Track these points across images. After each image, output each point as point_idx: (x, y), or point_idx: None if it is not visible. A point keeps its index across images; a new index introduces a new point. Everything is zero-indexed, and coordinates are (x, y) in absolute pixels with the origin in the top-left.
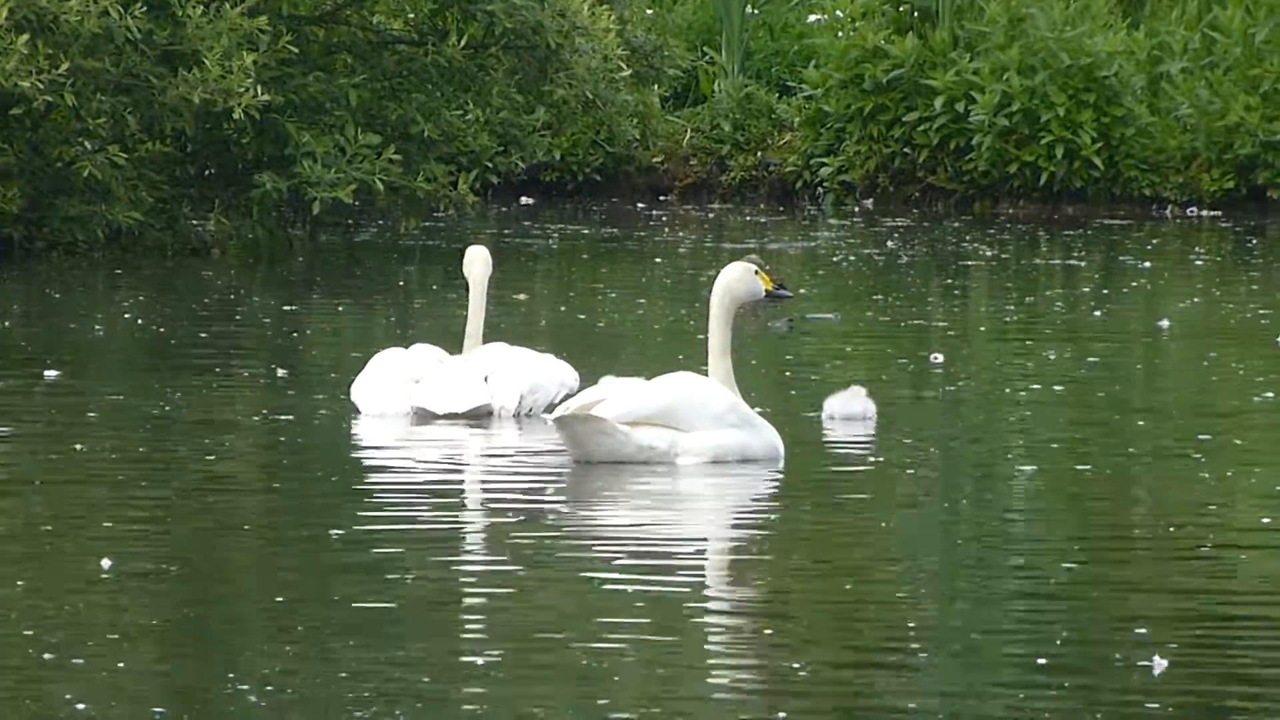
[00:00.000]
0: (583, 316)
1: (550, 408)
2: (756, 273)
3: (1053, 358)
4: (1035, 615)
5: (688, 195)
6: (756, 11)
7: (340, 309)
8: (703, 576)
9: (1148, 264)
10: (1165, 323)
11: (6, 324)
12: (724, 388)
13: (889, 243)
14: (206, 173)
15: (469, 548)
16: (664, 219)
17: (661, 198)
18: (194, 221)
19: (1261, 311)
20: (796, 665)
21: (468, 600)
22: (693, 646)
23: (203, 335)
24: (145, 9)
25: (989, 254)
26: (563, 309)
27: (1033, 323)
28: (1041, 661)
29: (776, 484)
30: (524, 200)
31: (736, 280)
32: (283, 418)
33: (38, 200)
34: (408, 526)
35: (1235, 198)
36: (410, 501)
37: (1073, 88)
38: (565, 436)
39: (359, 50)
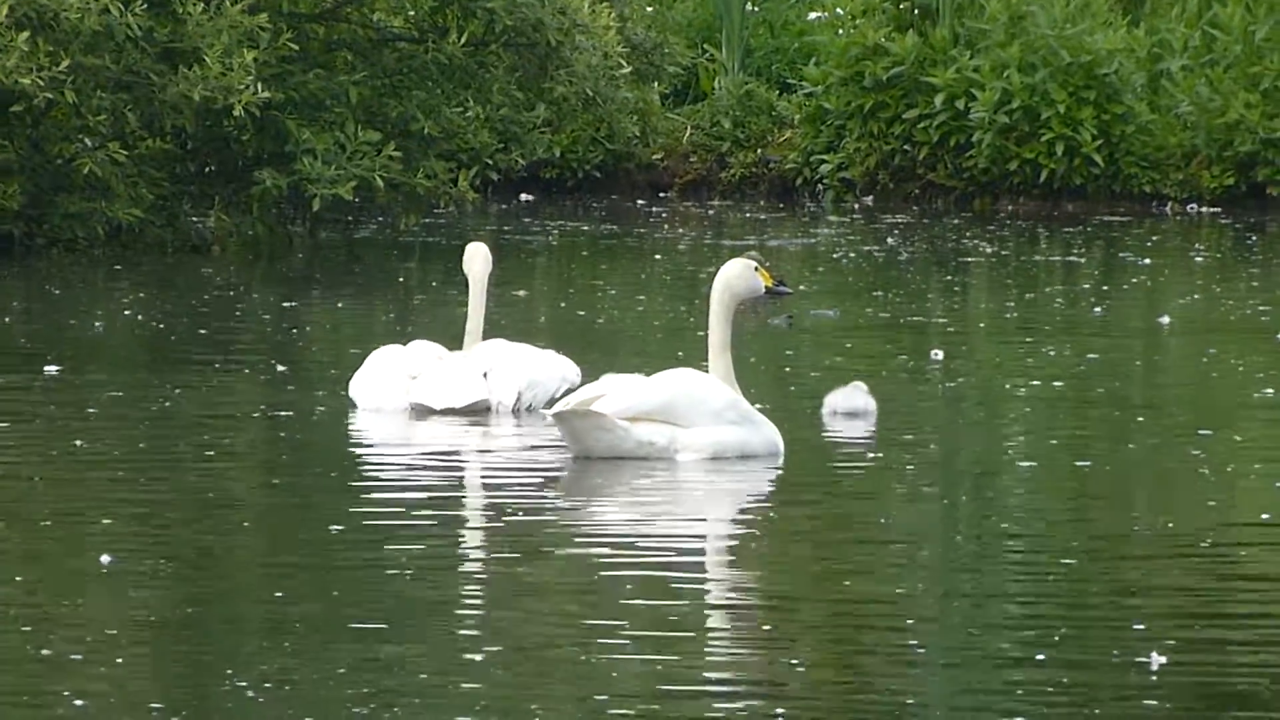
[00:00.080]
0: (582, 313)
1: (550, 403)
2: (756, 269)
3: (1052, 354)
4: (1034, 611)
5: (688, 192)
6: (757, 9)
7: (340, 305)
8: (701, 572)
9: (1148, 261)
10: (1166, 319)
11: (7, 320)
12: (724, 384)
13: (889, 240)
14: (207, 170)
15: (468, 543)
16: (664, 216)
17: (661, 195)
18: (194, 218)
19: (1261, 308)
20: (795, 661)
21: (466, 597)
22: (691, 643)
23: (202, 332)
24: (145, 6)
25: (989, 251)
26: (562, 306)
27: (1033, 319)
28: (1040, 657)
29: (776, 480)
30: (524, 197)
31: (736, 277)
32: (282, 414)
33: (38, 197)
34: (407, 522)
35: (1235, 195)
36: (409, 497)
37: (1073, 85)
38: (565, 432)
39: (359, 47)
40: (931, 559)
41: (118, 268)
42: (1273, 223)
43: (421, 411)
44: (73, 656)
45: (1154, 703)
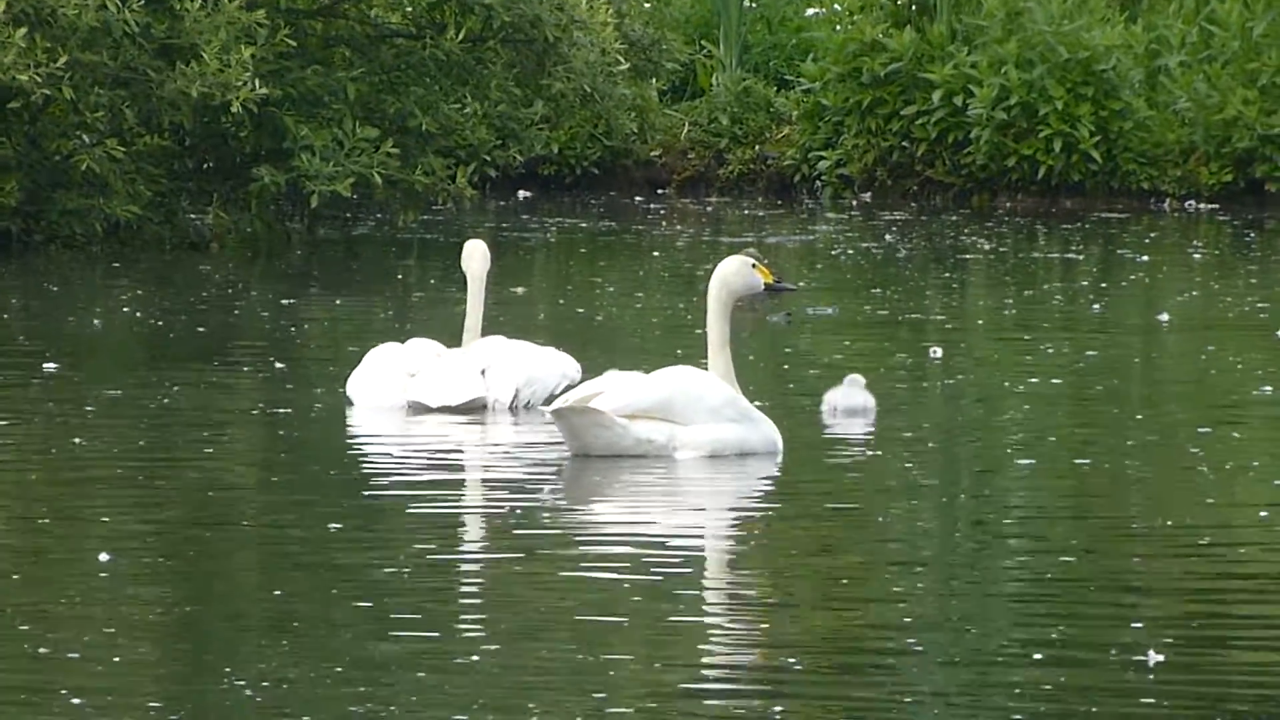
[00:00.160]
0: (581, 310)
1: (549, 400)
2: (754, 266)
3: (1051, 351)
4: (1032, 608)
5: (686, 189)
6: (754, 5)
7: (338, 302)
8: (699, 570)
9: (1146, 257)
10: (1165, 316)
11: (5, 317)
12: (723, 382)
13: (887, 236)
14: (204, 166)
15: (466, 541)
16: (662, 212)
17: (659, 191)
18: (192, 215)
19: (1259, 305)
20: (793, 659)
21: (464, 594)
22: (689, 640)
23: (200, 329)
24: (143, 3)
25: (987, 247)
26: (561, 302)
27: (1031, 316)
28: (1038, 656)
29: (774, 477)
30: (522, 194)
31: (733, 274)
32: (280, 411)
33: (36, 194)
34: (405, 520)
35: (1233, 191)
36: (407, 495)
37: (1071, 81)
38: (563, 429)
39: (357, 44)
40: (930, 557)
41: (116, 265)
42: (1271, 219)
43: (419, 409)
44: (71, 654)
45: (1152, 700)
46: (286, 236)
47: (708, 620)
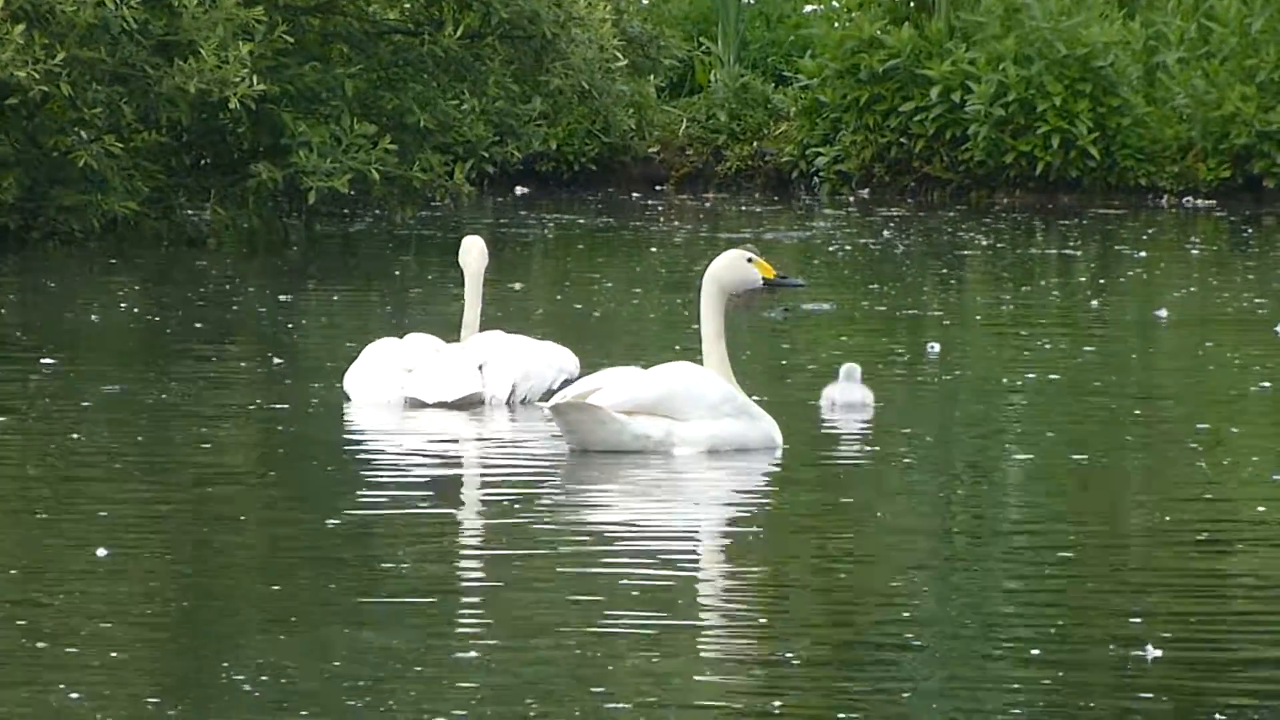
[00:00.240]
0: (578, 306)
1: (548, 395)
2: (750, 260)
3: (1048, 347)
4: (1029, 604)
5: (683, 185)
6: (752, 1)
7: (335, 299)
8: (698, 566)
9: (1143, 254)
10: (1164, 312)
11: (2, 313)
12: (721, 377)
13: (885, 232)
14: (202, 162)
15: (464, 537)
16: (660, 209)
17: (657, 188)
18: (190, 211)
19: (1258, 301)
20: (791, 655)
21: (462, 589)
22: (688, 636)
23: (198, 325)
24: None
25: (985, 244)
26: (558, 298)
27: (1029, 312)
28: (1035, 651)
29: (772, 473)
30: (520, 190)
31: (724, 268)
32: (278, 407)
33: (34, 190)
34: (403, 515)
35: (1231, 187)
36: (406, 490)
37: (1069, 78)
38: (561, 425)
39: (355, 40)
40: (928, 552)
41: (113, 261)
42: (1269, 215)
43: (415, 405)
44: (68, 649)
45: (1149, 695)
46: (284, 233)
47: (705, 616)
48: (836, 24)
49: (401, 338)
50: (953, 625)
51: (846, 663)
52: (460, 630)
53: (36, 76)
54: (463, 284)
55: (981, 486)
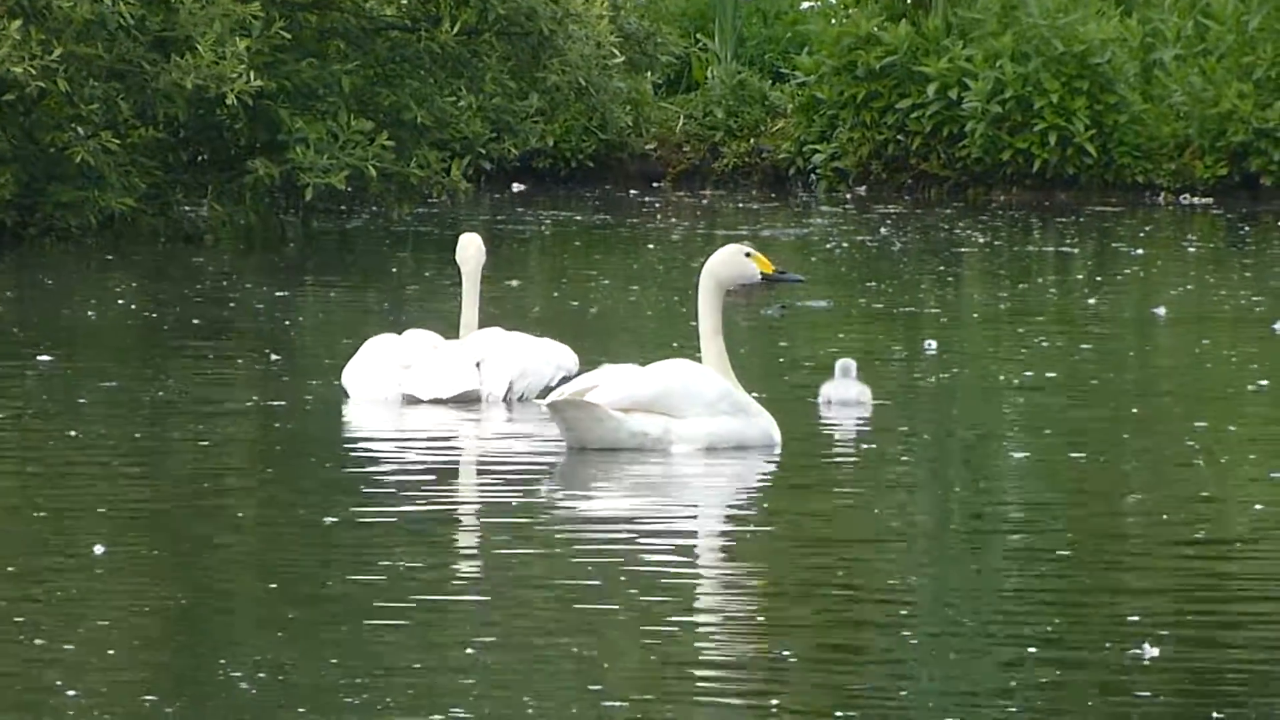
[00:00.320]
0: (575, 303)
1: (545, 392)
2: (748, 255)
3: (1045, 345)
4: (1026, 601)
5: (680, 182)
6: None
7: (332, 295)
8: (695, 563)
9: (1140, 251)
10: (1162, 310)
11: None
12: (719, 375)
13: (882, 230)
14: (199, 159)
15: (462, 534)
16: (657, 206)
17: (654, 184)
18: (186, 207)
19: (1255, 299)
20: (788, 652)
21: (460, 587)
22: (685, 632)
23: (195, 321)
24: None
25: (982, 241)
26: (555, 295)
27: (1025, 310)
28: (1032, 649)
29: (769, 470)
30: (516, 187)
31: (721, 263)
32: (275, 403)
33: (31, 186)
34: (400, 512)
35: (1228, 185)
36: (403, 487)
37: (1066, 75)
38: (558, 422)
39: (352, 36)
40: (925, 549)
41: (110, 257)
42: (1266, 213)
43: (411, 401)
44: (65, 647)
45: (1146, 694)
46: (281, 229)
47: (702, 612)
48: (834, 21)
49: (400, 334)
50: (949, 622)
51: (844, 661)
52: (457, 628)
53: (33, 72)
54: (460, 281)
55: (978, 484)
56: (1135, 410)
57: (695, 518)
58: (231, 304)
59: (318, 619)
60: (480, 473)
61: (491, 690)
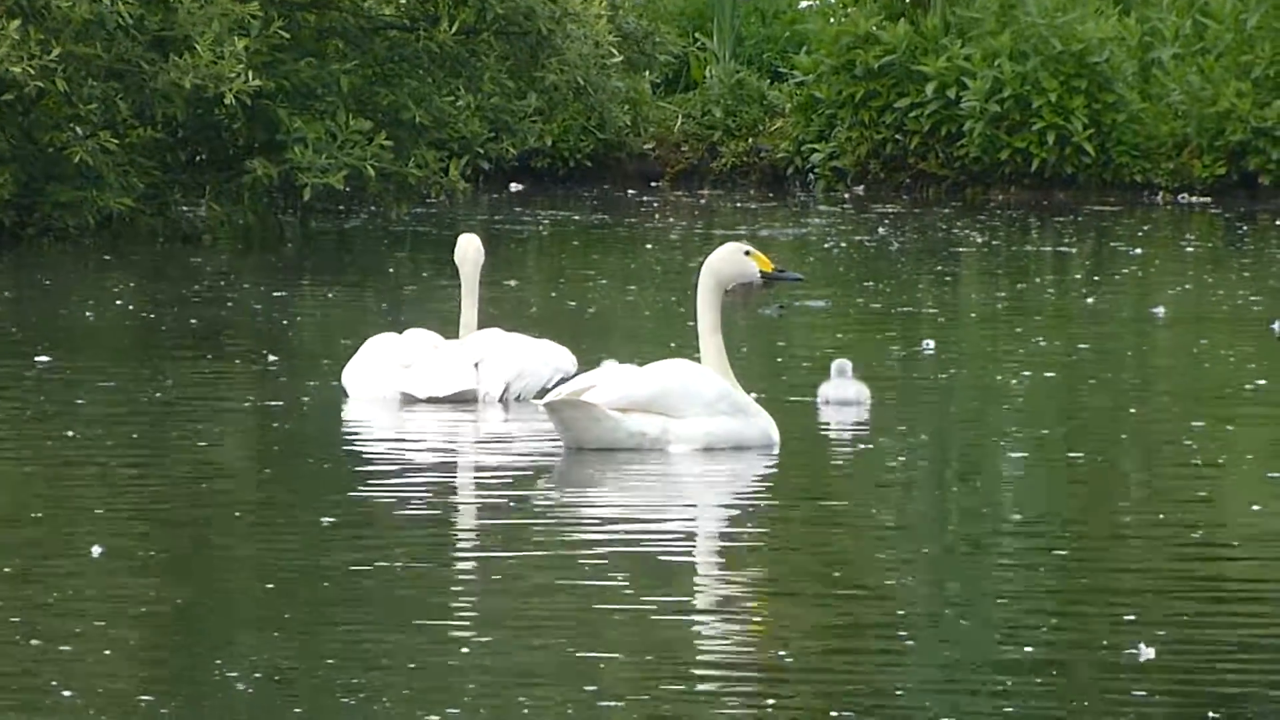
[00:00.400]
0: (573, 303)
1: (542, 393)
2: (749, 253)
3: (1044, 344)
4: (1023, 602)
5: (679, 181)
6: None
7: (330, 295)
8: (692, 564)
9: (1139, 251)
10: (1160, 310)
11: None
12: (718, 375)
13: (880, 229)
14: (197, 158)
15: (459, 534)
16: (655, 205)
17: (652, 184)
18: (185, 207)
19: (1253, 298)
20: (785, 652)
21: (456, 588)
22: (682, 633)
23: (193, 321)
24: None
25: (980, 240)
26: (553, 295)
27: (1023, 309)
28: (1029, 649)
29: (767, 470)
30: (515, 186)
31: (721, 261)
32: (273, 403)
33: (29, 186)
34: (398, 512)
35: (1226, 184)
36: (400, 487)
37: (1064, 74)
38: (556, 422)
39: (350, 36)
40: (922, 549)
41: (108, 257)
42: (1264, 212)
43: (408, 400)
44: (62, 647)
45: (1143, 693)
46: (279, 229)
47: (700, 612)
48: (832, 20)
49: (401, 333)
50: (946, 622)
51: (841, 660)
52: (454, 627)
53: (32, 72)
54: (457, 280)
55: (976, 484)
56: (1133, 410)
57: (692, 518)
58: (229, 304)
59: (314, 619)
60: (477, 473)
61: (488, 690)
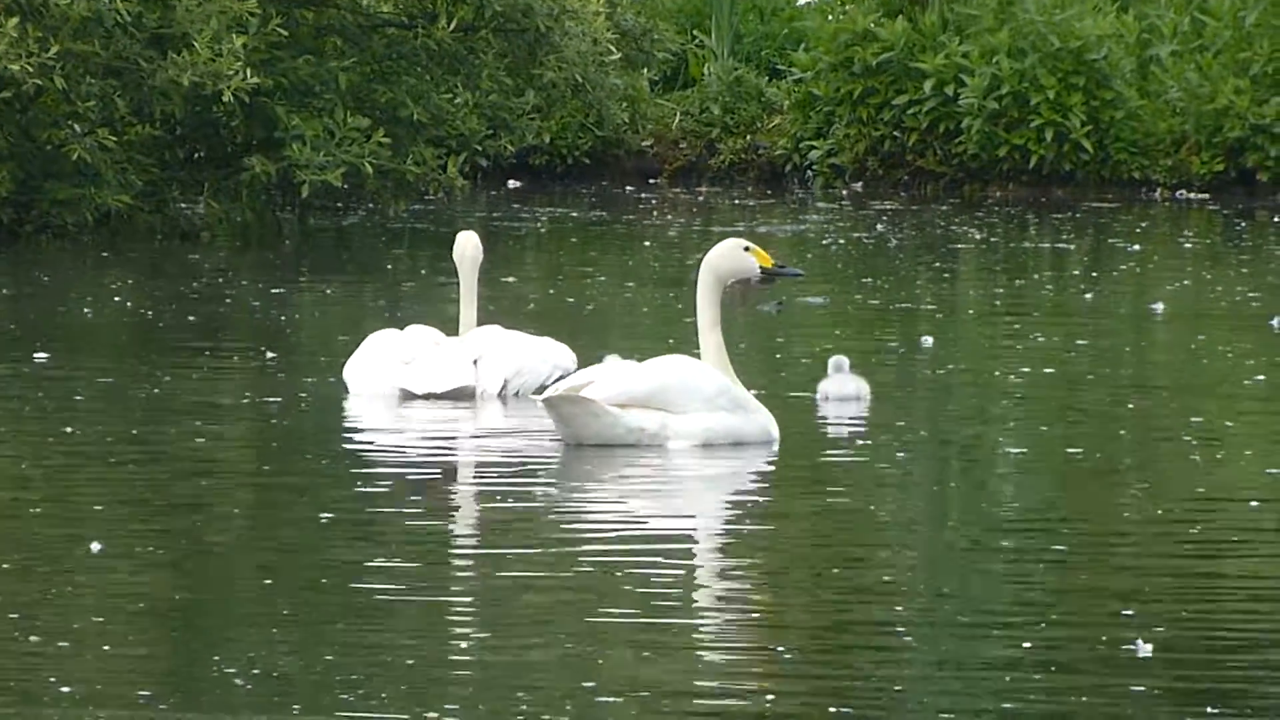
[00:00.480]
0: (571, 300)
1: (541, 389)
2: (748, 249)
3: (1042, 341)
4: (1022, 598)
5: (677, 178)
6: None
7: (329, 292)
8: (691, 560)
9: (1137, 247)
10: (1159, 306)
11: None
12: (717, 371)
13: (878, 226)
14: (196, 156)
15: (458, 530)
16: (653, 202)
17: (651, 181)
18: (183, 205)
19: (1251, 295)
20: (783, 648)
21: (456, 583)
22: (681, 629)
23: (191, 318)
24: None
25: (978, 237)
26: (552, 292)
27: (1022, 306)
28: (1027, 645)
29: (767, 466)
30: (513, 183)
31: (721, 256)
32: (271, 400)
33: (27, 183)
34: (395, 509)
35: (1224, 181)
36: (398, 485)
37: (1062, 71)
38: (555, 418)
39: (348, 33)
40: (922, 545)
41: (106, 254)
42: (1262, 209)
43: (406, 396)
44: (61, 643)
45: (1141, 689)
46: (277, 226)
47: (699, 610)
48: (830, 17)
49: (402, 330)
50: (946, 619)
51: (839, 657)
52: (453, 625)
53: (30, 70)
54: (456, 277)
55: (975, 480)
56: (1131, 406)
57: (691, 514)
58: (228, 301)
59: (313, 616)
60: (476, 469)
61: (486, 688)
